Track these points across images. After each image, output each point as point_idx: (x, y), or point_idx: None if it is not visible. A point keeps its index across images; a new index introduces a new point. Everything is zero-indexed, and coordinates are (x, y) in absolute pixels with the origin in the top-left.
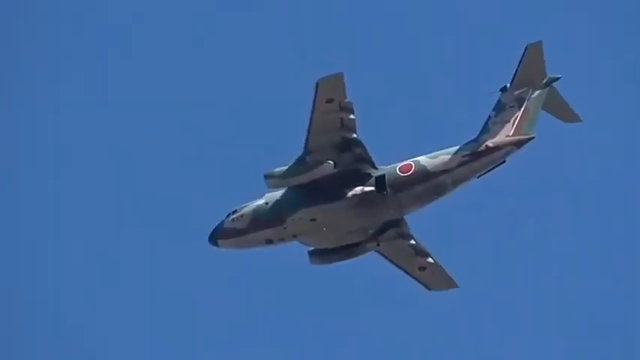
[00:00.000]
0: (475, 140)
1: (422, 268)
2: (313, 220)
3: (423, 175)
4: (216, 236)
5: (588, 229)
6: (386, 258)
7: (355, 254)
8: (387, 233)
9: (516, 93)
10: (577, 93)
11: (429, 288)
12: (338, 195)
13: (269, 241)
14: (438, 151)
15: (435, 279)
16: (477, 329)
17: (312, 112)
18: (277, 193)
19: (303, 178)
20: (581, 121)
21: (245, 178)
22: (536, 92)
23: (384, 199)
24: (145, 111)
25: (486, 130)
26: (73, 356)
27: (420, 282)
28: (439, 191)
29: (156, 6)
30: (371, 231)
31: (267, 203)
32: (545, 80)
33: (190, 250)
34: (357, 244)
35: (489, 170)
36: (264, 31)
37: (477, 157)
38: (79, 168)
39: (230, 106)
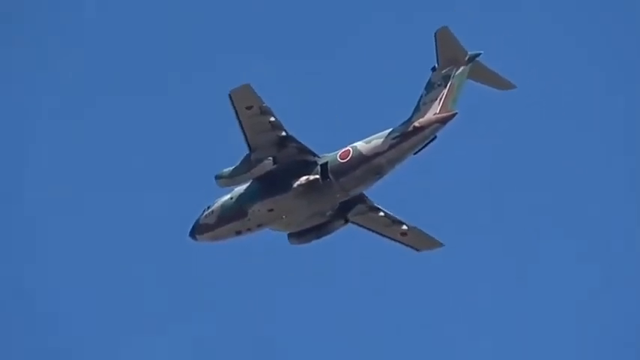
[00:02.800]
0: (407, 121)
1: (403, 234)
2: (271, 210)
3: (360, 160)
4: (194, 231)
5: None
6: (368, 229)
7: (328, 232)
8: (355, 209)
9: (443, 72)
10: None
11: (417, 249)
12: (286, 186)
13: (238, 232)
14: (374, 134)
15: (420, 241)
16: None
17: (237, 118)
18: (242, 188)
19: (248, 176)
20: (515, 87)
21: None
22: (460, 69)
23: (328, 185)
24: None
25: (417, 109)
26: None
27: (406, 245)
28: (377, 172)
29: None
30: (329, 213)
31: (232, 198)
32: (467, 57)
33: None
34: (326, 223)
35: (422, 147)
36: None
37: (406, 138)
38: None
39: None
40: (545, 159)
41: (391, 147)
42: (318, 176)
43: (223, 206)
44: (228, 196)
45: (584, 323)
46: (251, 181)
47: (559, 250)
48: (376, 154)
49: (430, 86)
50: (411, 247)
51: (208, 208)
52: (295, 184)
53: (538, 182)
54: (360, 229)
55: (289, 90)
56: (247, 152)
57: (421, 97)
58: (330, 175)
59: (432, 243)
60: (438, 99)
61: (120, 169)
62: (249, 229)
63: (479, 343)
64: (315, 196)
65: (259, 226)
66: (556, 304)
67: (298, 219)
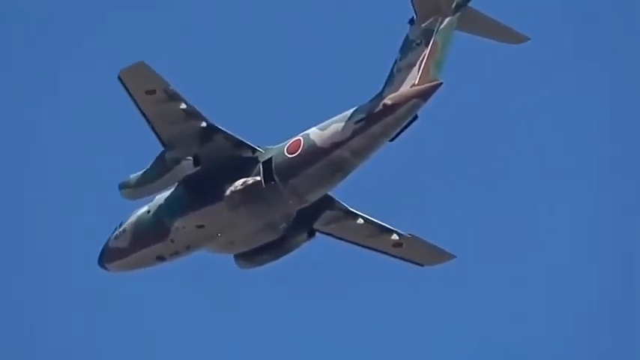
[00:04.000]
0: (377, 96)
1: (397, 245)
2: (200, 226)
3: (314, 153)
4: (103, 258)
5: None
6: (345, 240)
7: (287, 249)
8: (322, 218)
9: (423, 25)
10: None
11: (419, 264)
12: (217, 194)
13: (160, 258)
14: (333, 117)
15: (421, 253)
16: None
17: (136, 105)
18: (162, 197)
19: (161, 183)
20: (528, 39)
21: None
22: (446, 20)
23: (274, 190)
24: None
25: (390, 79)
26: None
27: (404, 260)
28: (339, 168)
29: None
30: (283, 225)
31: (149, 211)
32: (454, 3)
33: None
34: (283, 239)
35: (400, 132)
36: None
37: (374, 121)
38: None
39: None
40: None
41: (355, 134)
42: (259, 178)
43: (139, 223)
44: (145, 209)
45: None
46: (175, 185)
47: None
48: (335, 144)
49: (407, 46)
50: (411, 261)
51: (120, 225)
52: (228, 191)
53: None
54: (335, 240)
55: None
56: (162, 150)
57: (396, 61)
58: (276, 177)
59: (438, 255)
60: (418, 63)
61: None
62: (175, 254)
63: None
64: (259, 206)
65: (188, 248)
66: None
67: (241, 236)
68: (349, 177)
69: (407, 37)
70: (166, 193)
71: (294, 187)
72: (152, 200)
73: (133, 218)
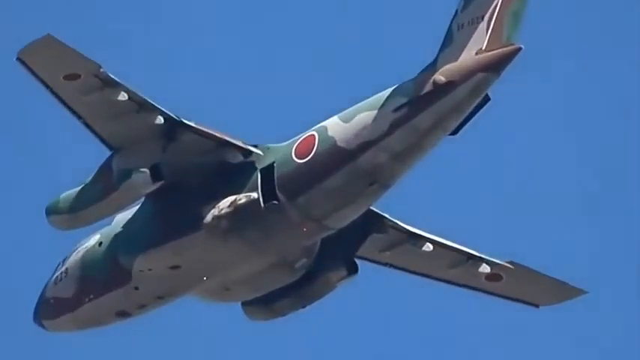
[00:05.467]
0: (429, 66)
1: (493, 277)
2: (175, 267)
3: (333, 157)
4: (39, 313)
5: None
6: (421, 275)
7: (318, 292)
8: (367, 245)
9: None
10: None
11: (534, 305)
12: (194, 220)
13: (122, 314)
14: (360, 103)
15: (531, 289)
16: None
17: (57, 96)
18: (121, 219)
19: (106, 207)
20: None
21: None
22: None
23: (279, 212)
24: None
25: (448, 43)
26: None
27: (509, 299)
28: (373, 179)
29: None
30: (301, 262)
31: (101, 244)
32: None
33: None
34: (309, 280)
35: (464, 121)
36: None
37: (421, 107)
38: None
39: None
40: None
41: (394, 127)
42: (255, 195)
43: (86, 261)
44: (95, 239)
45: None
46: (140, 203)
47: None
48: (366, 143)
49: None
50: (519, 300)
51: (62, 263)
52: (210, 216)
53: None
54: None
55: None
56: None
57: (456, 13)
58: (280, 193)
59: (559, 290)
60: (486, 18)
61: None
62: (142, 307)
63: None
64: (257, 236)
65: (161, 298)
66: None
67: (238, 280)
68: (388, 191)
69: None
70: (126, 214)
71: (307, 208)
72: (108, 224)
73: (78, 253)
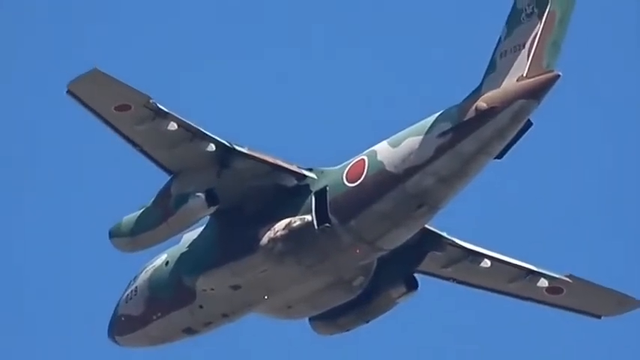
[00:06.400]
0: (473, 93)
1: (555, 290)
2: (236, 287)
3: (382, 181)
4: (113, 329)
5: None
6: (484, 289)
7: (379, 309)
8: (427, 262)
9: None
10: None
11: (596, 316)
12: (251, 242)
13: (189, 331)
14: (409, 127)
15: (592, 300)
16: None
17: (111, 126)
18: (187, 240)
19: (166, 231)
20: None
21: None
22: None
23: (332, 234)
24: None
25: (491, 69)
26: None
27: (572, 310)
28: (421, 202)
29: None
30: (359, 281)
31: (167, 263)
32: None
33: None
34: (370, 295)
35: (508, 146)
36: None
37: (465, 132)
38: None
39: None
40: None
41: (440, 152)
42: (309, 218)
43: (154, 280)
44: (162, 258)
45: None
46: (205, 224)
47: None
48: (411, 168)
49: (514, 17)
50: (581, 311)
51: (133, 281)
52: (266, 238)
53: None
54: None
55: None
56: (167, 181)
57: (500, 40)
58: (332, 216)
59: (618, 300)
60: (527, 45)
61: None
62: (208, 324)
63: None
64: (313, 257)
65: (226, 317)
66: None
67: (299, 298)
68: (440, 212)
69: (514, 3)
70: (192, 234)
71: (358, 231)
72: (176, 242)
73: (147, 272)
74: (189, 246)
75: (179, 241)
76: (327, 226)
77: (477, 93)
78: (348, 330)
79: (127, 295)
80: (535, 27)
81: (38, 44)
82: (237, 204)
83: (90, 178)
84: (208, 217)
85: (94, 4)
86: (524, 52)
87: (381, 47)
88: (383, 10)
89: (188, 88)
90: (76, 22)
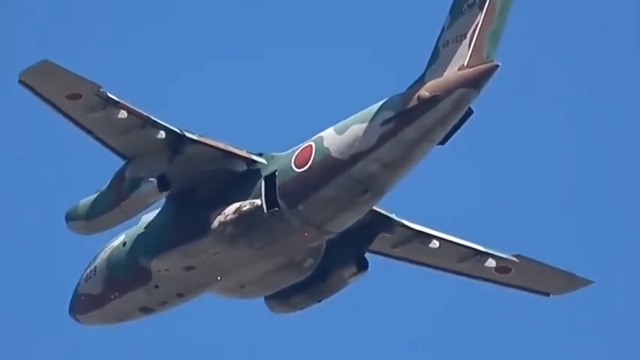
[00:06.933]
0: (417, 82)
1: (503, 270)
2: (189, 268)
3: (328, 167)
4: (73, 308)
5: None
6: (434, 267)
7: (330, 289)
8: (377, 243)
9: None
10: None
11: (545, 293)
12: (203, 225)
13: (146, 310)
14: (354, 115)
15: (541, 279)
16: None
17: (64, 114)
18: (145, 221)
19: (119, 215)
20: None
21: None
22: None
23: (281, 218)
24: None
25: (434, 58)
26: None
27: (521, 289)
28: (366, 187)
29: None
30: (308, 263)
31: (124, 244)
32: None
33: None
34: (321, 275)
35: (450, 133)
36: None
37: (407, 121)
38: None
39: None
40: None
41: (383, 139)
42: (258, 202)
43: (112, 260)
44: (120, 239)
45: None
46: (162, 206)
47: None
48: (356, 154)
49: (457, 8)
50: (530, 290)
51: (93, 261)
52: (216, 222)
53: None
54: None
55: None
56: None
57: (442, 30)
58: (281, 200)
59: (567, 280)
60: (469, 35)
61: None
62: (163, 303)
63: None
64: (263, 239)
65: (181, 296)
66: None
67: (251, 279)
68: (385, 194)
69: None
70: (149, 216)
71: (306, 215)
72: (135, 223)
73: (105, 253)
74: (146, 227)
75: (138, 221)
76: (276, 210)
77: (419, 82)
78: (301, 309)
79: (87, 274)
80: (476, 17)
81: (38, 44)
82: (189, 188)
83: (90, 178)
84: (164, 199)
85: (94, 4)
86: (466, 42)
87: (381, 47)
88: (383, 10)
89: (188, 88)
90: (76, 22)
